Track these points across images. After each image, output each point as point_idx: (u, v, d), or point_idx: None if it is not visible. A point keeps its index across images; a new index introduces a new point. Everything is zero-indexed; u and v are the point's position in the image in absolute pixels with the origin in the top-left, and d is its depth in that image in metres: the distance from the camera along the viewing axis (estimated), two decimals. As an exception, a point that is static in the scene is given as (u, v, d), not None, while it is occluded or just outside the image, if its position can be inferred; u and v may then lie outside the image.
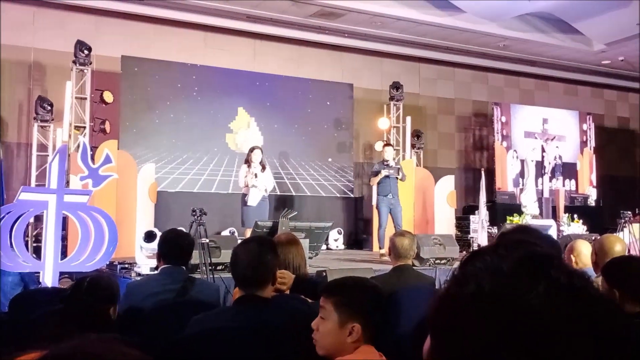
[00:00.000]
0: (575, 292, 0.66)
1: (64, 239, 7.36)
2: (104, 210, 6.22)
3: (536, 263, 0.69)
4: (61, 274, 5.61)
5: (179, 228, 4.49)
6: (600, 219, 12.63)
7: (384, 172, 8.83)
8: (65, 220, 6.47)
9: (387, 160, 9.04)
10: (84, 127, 9.29)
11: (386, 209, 8.87)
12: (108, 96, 9.56)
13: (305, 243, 6.59)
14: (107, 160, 6.65)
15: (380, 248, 8.70)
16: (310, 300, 2.89)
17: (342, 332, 1.96)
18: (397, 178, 8.94)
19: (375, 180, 8.92)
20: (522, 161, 12.67)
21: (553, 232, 9.25)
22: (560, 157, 13.89)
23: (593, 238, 6.22)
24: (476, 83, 14.38)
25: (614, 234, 3.99)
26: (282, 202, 10.54)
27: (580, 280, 0.68)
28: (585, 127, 14.66)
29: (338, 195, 11.90)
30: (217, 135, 10.89)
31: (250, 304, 2.51)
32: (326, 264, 7.21)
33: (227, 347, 2.38)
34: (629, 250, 7.84)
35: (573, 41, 12.92)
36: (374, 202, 10.49)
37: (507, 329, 0.64)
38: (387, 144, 9.74)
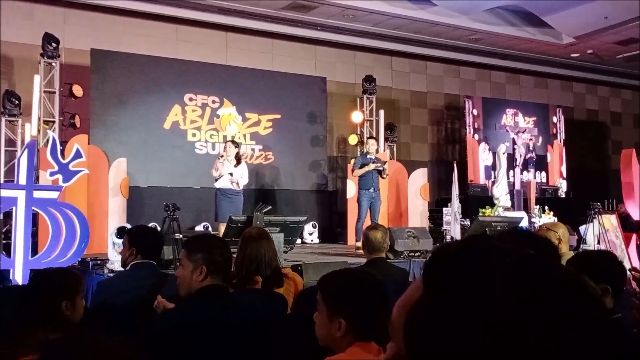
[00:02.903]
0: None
1: (35, 235, 7.24)
2: (74, 206, 6.14)
3: (539, 269, 0.66)
4: (32, 271, 5.53)
5: (150, 224, 4.45)
6: (571, 210, 12.82)
7: (372, 166, 8.78)
8: (35, 216, 6.37)
9: (370, 153, 9.01)
10: (53, 122, 9.14)
11: (367, 203, 8.85)
12: (77, 90, 9.40)
13: (280, 237, 6.61)
14: (78, 155, 6.56)
15: (356, 241, 8.71)
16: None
17: (332, 326, 1.97)
18: (379, 173, 8.90)
19: (360, 172, 8.83)
20: (494, 154, 12.79)
21: (524, 224, 9.36)
22: (534, 150, 14.05)
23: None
24: (448, 76, 14.49)
25: (554, 222, 4.40)
26: (256, 196, 10.49)
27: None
28: (555, 119, 14.86)
29: (312, 189, 11.90)
30: (190, 129, 10.78)
31: (215, 295, 2.55)
32: (301, 257, 7.22)
33: (204, 341, 2.39)
34: (598, 242, 7.99)
35: (543, 34, 13.09)
36: (350, 195, 10.53)
37: (517, 336, 0.61)
38: (371, 137, 9.72)
